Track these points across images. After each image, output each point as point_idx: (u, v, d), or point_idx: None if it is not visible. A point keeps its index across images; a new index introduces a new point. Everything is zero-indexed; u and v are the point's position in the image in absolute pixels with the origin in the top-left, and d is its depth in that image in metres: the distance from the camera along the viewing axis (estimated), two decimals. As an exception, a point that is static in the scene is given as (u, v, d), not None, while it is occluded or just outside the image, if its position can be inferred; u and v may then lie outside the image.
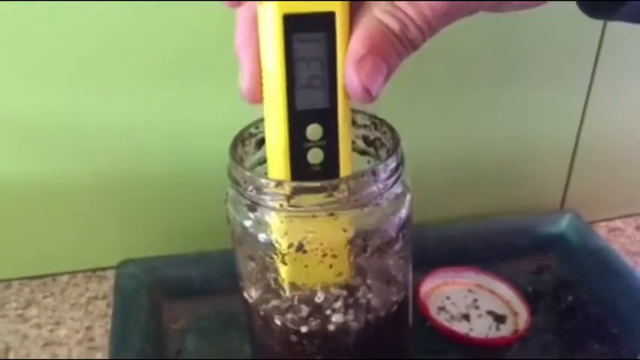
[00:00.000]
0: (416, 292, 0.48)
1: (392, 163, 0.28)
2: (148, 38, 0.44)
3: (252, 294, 0.32)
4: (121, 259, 0.50)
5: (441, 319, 0.47)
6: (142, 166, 0.50)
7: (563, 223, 0.55)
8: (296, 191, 0.27)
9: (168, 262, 0.50)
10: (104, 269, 0.53)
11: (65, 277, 0.53)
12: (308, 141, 0.27)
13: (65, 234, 0.52)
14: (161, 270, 0.49)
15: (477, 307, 0.48)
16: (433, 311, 0.48)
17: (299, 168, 0.27)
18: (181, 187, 0.51)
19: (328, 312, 0.30)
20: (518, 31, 0.50)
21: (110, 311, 0.46)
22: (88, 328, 0.48)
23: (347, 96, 0.26)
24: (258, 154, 0.32)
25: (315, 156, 0.27)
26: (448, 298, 0.49)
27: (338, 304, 0.30)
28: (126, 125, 0.48)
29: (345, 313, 0.30)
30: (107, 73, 0.45)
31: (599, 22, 0.51)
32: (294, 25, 0.25)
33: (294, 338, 0.30)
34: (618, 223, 0.61)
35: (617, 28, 0.51)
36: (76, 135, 0.47)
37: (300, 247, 0.28)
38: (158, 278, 0.48)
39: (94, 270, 0.54)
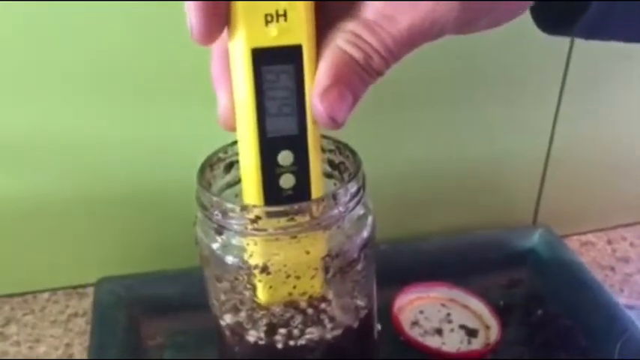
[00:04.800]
0: (390, 307, 0.49)
1: (353, 187, 0.30)
2: (131, 59, 0.45)
3: (220, 313, 0.33)
4: (101, 276, 0.50)
5: (414, 333, 0.48)
6: (122, 185, 0.51)
7: (535, 238, 0.56)
8: (260, 215, 0.28)
9: (146, 279, 0.50)
10: (84, 286, 0.54)
11: (46, 295, 0.54)
12: (280, 166, 0.28)
13: (46, 251, 0.52)
14: (139, 287, 0.50)
15: (450, 322, 0.50)
16: (406, 326, 0.49)
17: (271, 193, 0.28)
18: (160, 206, 0.52)
19: (293, 330, 0.31)
20: (487, 49, 0.51)
21: (90, 328, 0.47)
22: (68, 345, 0.49)
23: (315, 123, 0.27)
24: (227, 178, 0.33)
25: (287, 181, 0.28)
26: (422, 312, 0.50)
27: (302, 322, 0.31)
28: (105, 144, 0.48)
29: (309, 331, 0.31)
30: (90, 95, 0.46)
31: (567, 38, 0.53)
32: (262, 58, 0.26)
33: (259, 356, 0.31)
34: (590, 237, 0.62)
35: (585, 43, 0.52)
36: (54, 155, 0.48)
37: (264, 269, 0.29)
38: (136, 295, 0.49)
39: (74, 287, 0.54)
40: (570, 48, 0.53)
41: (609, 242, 0.61)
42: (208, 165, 0.32)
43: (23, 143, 0.47)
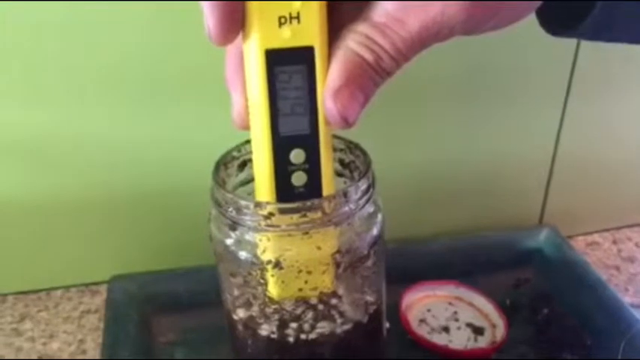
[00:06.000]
0: (397, 305, 0.50)
1: (363, 185, 0.30)
2: (143, 60, 0.46)
3: (233, 307, 0.33)
4: (113, 274, 0.51)
5: (422, 331, 0.49)
6: (135, 184, 0.51)
7: (541, 238, 0.57)
8: (273, 212, 0.29)
9: (158, 277, 0.51)
10: (97, 284, 0.55)
11: (59, 292, 0.55)
12: (292, 164, 0.29)
13: (59, 250, 0.53)
14: (151, 285, 0.50)
15: (457, 320, 0.50)
16: (414, 324, 0.49)
17: (284, 190, 0.29)
18: (172, 205, 0.53)
19: (304, 324, 0.32)
20: (495, 51, 0.52)
21: (102, 325, 0.48)
22: (81, 341, 0.50)
23: (327, 122, 0.28)
24: (241, 176, 0.34)
25: (298, 178, 0.29)
26: (429, 310, 0.51)
27: (313, 317, 0.32)
28: (117, 144, 0.49)
29: (320, 326, 0.32)
30: (103, 94, 0.47)
31: (574, 40, 0.53)
32: (275, 59, 0.26)
33: (271, 350, 0.32)
34: (596, 237, 0.63)
35: (591, 44, 0.53)
36: (69, 154, 0.49)
37: (277, 264, 0.30)
38: (148, 293, 0.50)
39: (87, 285, 0.55)
40: (577, 50, 0.54)
41: (615, 242, 0.62)
42: (223, 163, 0.33)
43: (36, 143, 0.48)
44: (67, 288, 0.55)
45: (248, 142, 0.34)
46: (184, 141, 0.50)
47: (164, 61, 0.47)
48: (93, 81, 0.46)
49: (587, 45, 0.53)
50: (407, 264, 0.52)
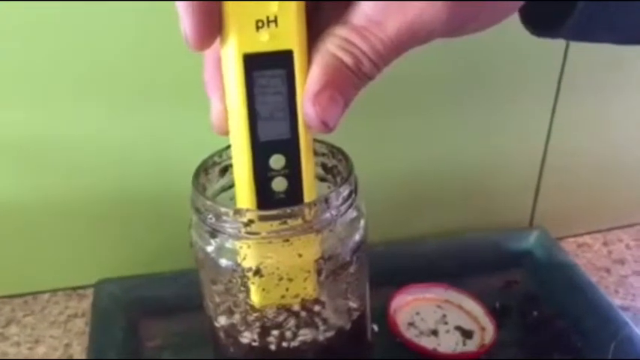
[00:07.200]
0: (386, 308, 0.50)
1: (345, 191, 0.30)
2: (134, 63, 0.46)
3: (214, 315, 0.33)
4: (100, 277, 0.51)
5: (410, 334, 0.48)
6: (122, 188, 0.51)
7: (531, 240, 0.57)
8: (253, 219, 0.28)
9: (145, 281, 0.51)
10: (84, 288, 0.55)
11: (46, 296, 0.54)
12: (272, 170, 0.28)
13: (46, 253, 0.53)
14: (138, 288, 0.50)
15: (446, 323, 0.50)
16: (403, 327, 0.49)
17: (264, 196, 0.29)
18: (159, 209, 0.52)
19: (286, 332, 0.31)
20: (484, 52, 0.52)
21: (88, 329, 0.48)
22: (67, 345, 0.49)
23: (307, 127, 0.27)
24: (222, 181, 0.34)
25: (279, 184, 0.29)
26: (418, 313, 0.51)
27: (295, 324, 0.31)
28: (106, 147, 0.49)
29: (302, 333, 0.32)
30: (91, 97, 0.47)
31: (563, 43, 0.53)
32: (254, 64, 0.26)
33: (253, 357, 0.32)
34: (586, 239, 0.62)
35: (580, 44, 0.52)
36: (56, 157, 0.49)
37: (257, 272, 0.30)
38: (135, 296, 0.50)
39: (74, 288, 0.55)
40: (566, 51, 0.53)
41: (605, 244, 0.62)
42: (203, 169, 0.32)
43: (23, 146, 0.48)
44: (53, 292, 0.55)
45: (230, 146, 0.33)
46: (173, 144, 0.50)
47: (155, 64, 0.46)
48: (80, 83, 0.46)
49: (576, 46, 0.53)
50: (395, 266, 0.51)
